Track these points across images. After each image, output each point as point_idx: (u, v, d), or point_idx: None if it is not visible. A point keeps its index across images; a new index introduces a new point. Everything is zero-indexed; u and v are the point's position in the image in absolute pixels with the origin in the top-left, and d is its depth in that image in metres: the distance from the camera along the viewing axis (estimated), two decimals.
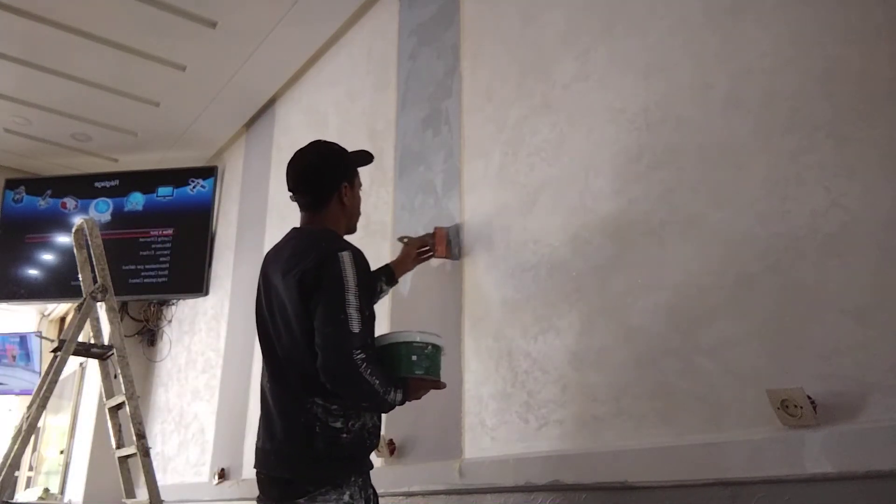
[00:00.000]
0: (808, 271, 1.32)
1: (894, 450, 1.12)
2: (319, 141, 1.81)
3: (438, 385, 1.62)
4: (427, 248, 2.18)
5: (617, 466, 1.54)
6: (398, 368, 1.54)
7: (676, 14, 1.70)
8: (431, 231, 2.24)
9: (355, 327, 1.48)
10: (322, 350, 1.48)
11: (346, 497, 1.49)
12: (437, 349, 1.60)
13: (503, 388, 1.94)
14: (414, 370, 1.54)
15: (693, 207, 1.55)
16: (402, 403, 1.55)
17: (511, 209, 2.06)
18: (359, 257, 1.57)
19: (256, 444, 1.65)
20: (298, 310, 1.55)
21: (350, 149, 1.81)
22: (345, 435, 1.53)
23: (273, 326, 1.64)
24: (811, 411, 1.22)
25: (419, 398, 1.60)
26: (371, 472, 1.63)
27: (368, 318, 1.55)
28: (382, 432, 2.26)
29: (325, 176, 1.71)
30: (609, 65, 1.85)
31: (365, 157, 1.81)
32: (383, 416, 1.96)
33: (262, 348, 1.69)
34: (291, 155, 1.75)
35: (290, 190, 1.75)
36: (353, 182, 1.76)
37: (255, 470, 1.65)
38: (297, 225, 1.76)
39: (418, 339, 1.57)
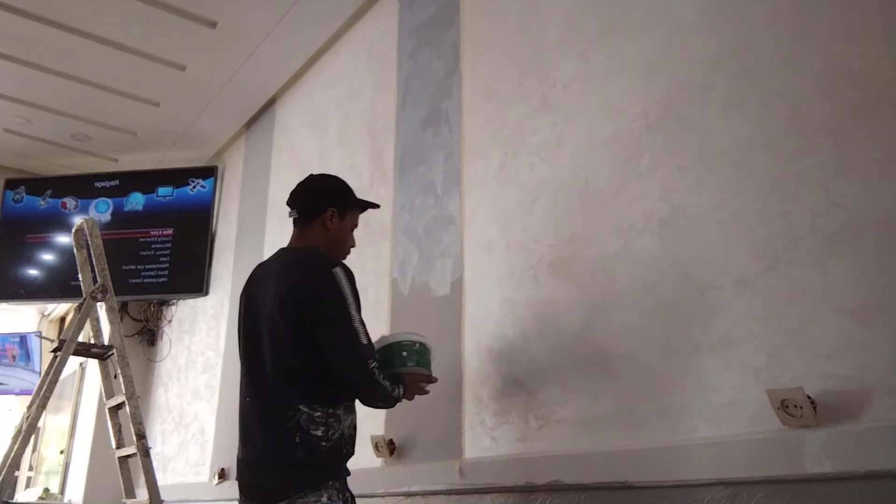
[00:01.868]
0: (808, 271, 1.32)
1: (894, 450, 1.12)
2: (328, 174, 1.93)
3: (430, 378, 1.75)
4: None
5: (617, 466, 1.54)
6: (393, 365, 1.69)
7: (676, 14, 1.70)
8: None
9: (364, 339, 1.60)
10: (341, 365, 1.59)
11: (325, 499, 1.55)
12: (424, 346, 1.75)
13: (503, 388, 1.93)
14: (406, 363, 1.70)
15: (693, 207, 1.55)
16: (404, 397, 1.67)
17: (511, 209, 2.06)
18: (349, 272, 1.66)
19: (238, 457, 1.70)
20: (292, 318, 1.60)
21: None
22: (324, 443, 1.58)
23: (260, 336, 1.69)
24: (811, 411, 1.22)
25: (421, 393, 1.74)
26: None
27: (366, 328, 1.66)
28: (382, 432, 2.27)
29: (315, 194, 1.81)
30: (609, 65, 1.85)
31: (369, 203, 1.90)
32: (382, 416, 1.95)
33: (244, 362, 1.74)
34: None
35: (288, 206, 1.84)
36: (344, 214, 1.82)
37: (237, 481, 1.70)
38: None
39: (406, 339, 1.75)
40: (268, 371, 1.64)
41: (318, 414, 1.58)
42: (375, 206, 1.91)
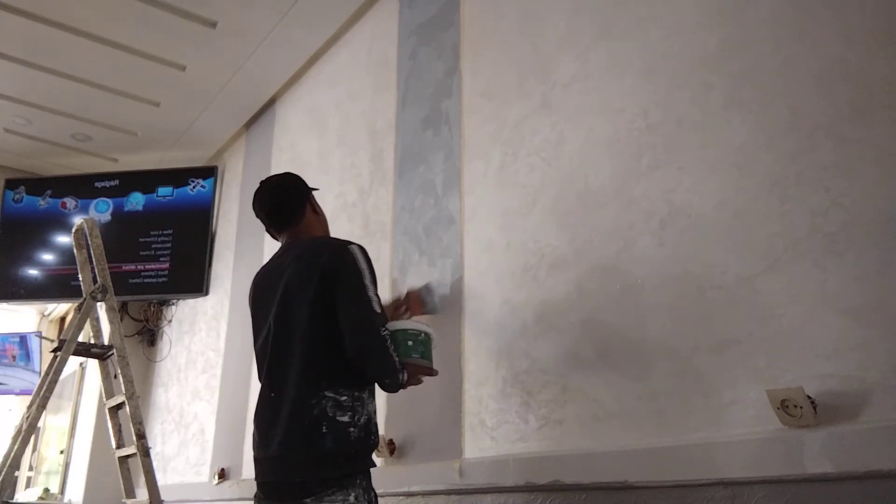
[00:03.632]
0: (808, 271, 1.32)
1: (894, 450, 1.12)
2: (271, 175, 1.98)
3: (431, 371, 1.73)
4: (403, 307, 2.27)
5: (617, 466, 1.54)
6: (396, 352, 1.66)
7: (676, 14, 1.70)
8: (406, 290, 2.33)
9: (377, 309, 1.63)
10: (352, 329, 1.60)
11: (352, 498, 1.54)
12: (428, 337, 1.74)
13: (503, 388, 1.93)
14: (411, 353, 1.68)
15: (693, 207, 1.55)
16: (403, 386, 1.66)
17: (511, 209, 2.06)
18: (364, 250, 1.71)
19: (256, 456, 1.68)
20: (316, 301, 1.63)
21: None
22: (352, 429, 1.58)
23: (278, 329, 1.70)
24: (811, 411, 1.22)
25: (416, 384, 1.71)
26: (372, 472, 1.65)
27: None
28: (382, 432, 2.27)
29: (291, 195, 1.88)
30: (609, 65, 1.85)
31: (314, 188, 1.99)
32: (382, 416, 1.95)
33: (266, 359, 1.73)
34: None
35: (266, 217, 1.88)
36: (314, 197, 1.93)
37: (256, 480, 1.68)
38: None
39: (412, 327, 1.73)
40: (290, 362, 1.64)
41: (345, 398, 1.58)
42: (316, 189, 1.99)
